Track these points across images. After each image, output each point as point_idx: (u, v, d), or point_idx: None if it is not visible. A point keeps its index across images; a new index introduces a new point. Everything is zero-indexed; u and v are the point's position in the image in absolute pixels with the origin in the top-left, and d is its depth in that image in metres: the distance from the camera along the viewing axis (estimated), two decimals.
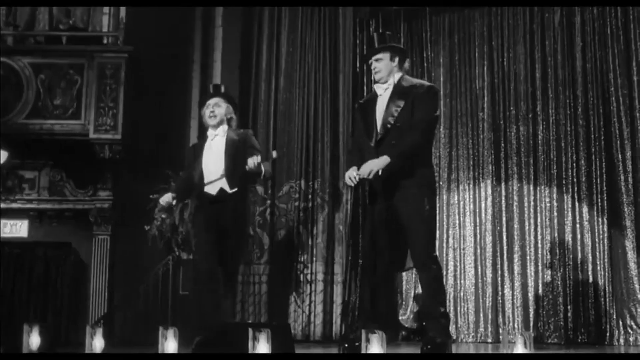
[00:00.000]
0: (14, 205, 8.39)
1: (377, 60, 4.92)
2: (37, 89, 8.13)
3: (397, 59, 4.91)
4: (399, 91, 4.83)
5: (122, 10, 8.24)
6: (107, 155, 7.93)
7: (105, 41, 8.28)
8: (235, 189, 5.45)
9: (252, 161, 5.25)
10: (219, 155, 5.54)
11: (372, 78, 8.43)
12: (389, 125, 4.74)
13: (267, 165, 5.61)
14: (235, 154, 5.49)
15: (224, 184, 5.44)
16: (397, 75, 4.90)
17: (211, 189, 5.48)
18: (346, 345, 4.66)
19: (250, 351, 3.62)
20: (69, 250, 8.51)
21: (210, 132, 5.63)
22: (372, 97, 5.01)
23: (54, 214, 8.46)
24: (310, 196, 8.43)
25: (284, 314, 8.20)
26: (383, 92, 4.90)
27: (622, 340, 7.28)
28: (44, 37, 8.38)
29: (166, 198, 5.59)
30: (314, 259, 8.33)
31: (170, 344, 4.17)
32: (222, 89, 5.84)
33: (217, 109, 5.60)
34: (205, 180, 5.47)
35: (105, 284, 8.22)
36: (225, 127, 5.62)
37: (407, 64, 4.99)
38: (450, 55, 8.61)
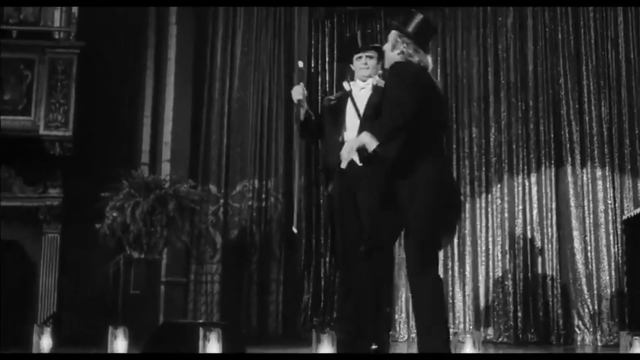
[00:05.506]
0: None
1: (369, 57, 5.06)
2: None
3: (380, 63, 5.06)
4: (379, 90, 4.95)
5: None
6: (58, 152, 7.77)
7: (56, 36, 8.14)
8: None
9: None
10: None
11: (333, 77, 8.55)
12: (372, 118, 4.84)
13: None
14: None
15: None
16: (377, 78, 5.06)
17: None
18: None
19: (200, 350, 3.60)
20: (17, 249, 8.34)
21: None
22: (344, 95, 5.12)
23: (2, 211, 8.28)
24: (263, 195, 8.41)
25: (236, 313, 8.17)
26: (359, 90, 5.03)
27: (570, 340, 7.40)
28: None
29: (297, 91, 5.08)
30: (267, 258, 8.32)
31: (119, 344, 4.13)
32: None
33: None
34: None
35: (54, 282, 8.07)
36: None
37: (380, 71, 5.14)
38: None
